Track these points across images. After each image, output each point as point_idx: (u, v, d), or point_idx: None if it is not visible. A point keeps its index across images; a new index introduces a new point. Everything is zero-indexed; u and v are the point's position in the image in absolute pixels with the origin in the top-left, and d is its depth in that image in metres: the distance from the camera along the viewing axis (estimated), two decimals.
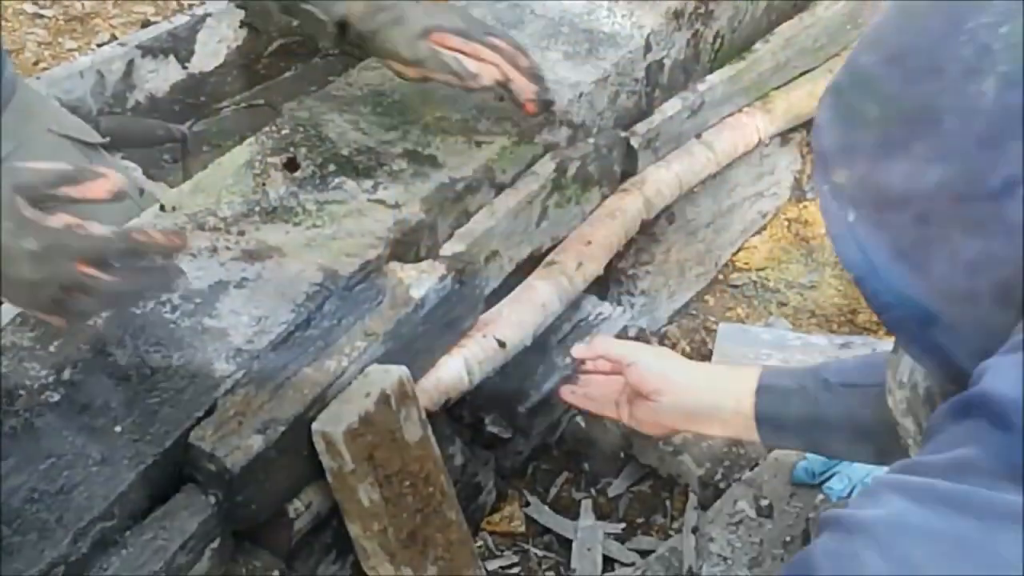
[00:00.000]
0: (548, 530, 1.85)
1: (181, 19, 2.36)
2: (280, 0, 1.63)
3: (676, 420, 1.54)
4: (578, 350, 1.62)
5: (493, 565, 1.78)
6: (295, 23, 1.70)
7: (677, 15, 1.97)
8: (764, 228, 2.41)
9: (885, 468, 1.65)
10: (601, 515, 1.87)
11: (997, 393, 0.73)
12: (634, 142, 1.89)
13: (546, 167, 1.72)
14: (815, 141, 0.89)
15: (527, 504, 1.88)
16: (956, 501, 0.71)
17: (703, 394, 1.51)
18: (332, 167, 1.60)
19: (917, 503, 0.72)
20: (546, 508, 1.87)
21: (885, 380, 1.38)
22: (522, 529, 1.84)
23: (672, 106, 1.97)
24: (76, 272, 1.16)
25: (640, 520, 1.87)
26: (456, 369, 1.54)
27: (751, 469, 1.82)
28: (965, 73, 0.76)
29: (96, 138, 1.78)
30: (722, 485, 1.81)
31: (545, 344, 1.79)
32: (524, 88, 1.59)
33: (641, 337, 2.10)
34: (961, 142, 0.77)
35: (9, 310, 1.36)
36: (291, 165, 1.60)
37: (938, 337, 0.84)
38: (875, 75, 0.82)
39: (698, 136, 2.04)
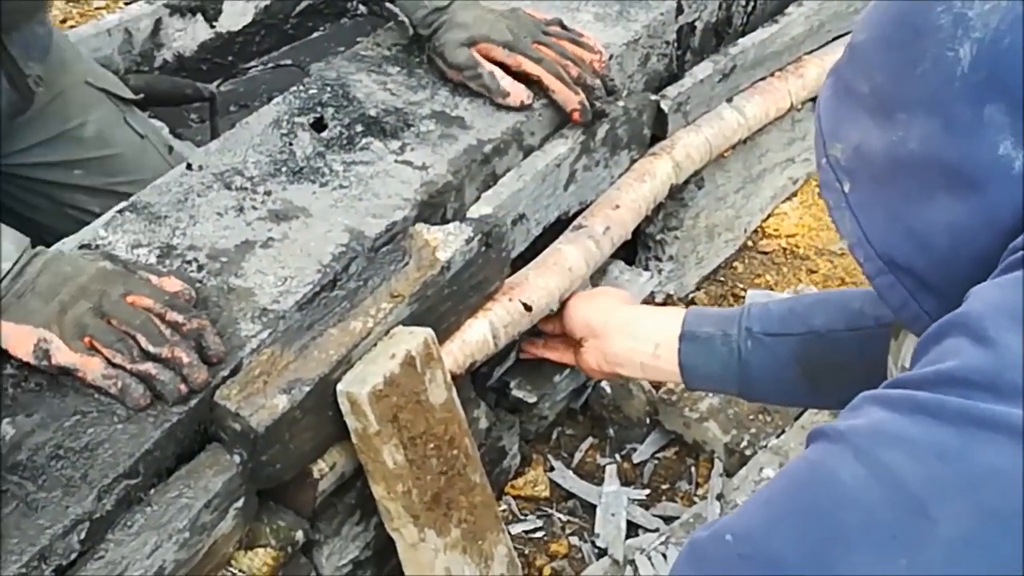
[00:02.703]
0: (572, 495, 1.84)
1: None
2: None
3: (601, 364, 1.60)
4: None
5: (517, 529, 1.78)
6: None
7: None
8: (795, 194, 2.38)
9: None
10: (626, 481, 1.86)
11: (975, 311, 0.75)
12: (664, 105, 1.87)
13: (575, 130, 1.70)
14: (816, 121, 0.93)
15: (551, 469, 1.88)
16: (934, 409, 0.72)
17: (620, 341, 1.57)
18: (359, 128, 1.59)
19: (896, 412, 0.74)
20: (570, 473, 1.87)
21: (811, 328, 1.41)
22: (546, 494, 1.84)
23: (703, 69, 1.95)
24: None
25: (665, 486, 1.87)
26: (481, 332, 1.53)
27: (777, 436, 1.81)
28: (943, 41, 0.79)
29: (129, 94, 1.78)
30: (748, 452, 1.80)
31: None
32: (566, 100, 1.64)
33: (668, 303, 2.10)
34: (941, 108, 0.80)
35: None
36: (318, 125, 1.59)
37: (926, 305, 0.86)
38: (865, 51, 0.87)
39: (729, 100, 2.01)
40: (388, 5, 1.64)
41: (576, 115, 1.65)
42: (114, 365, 1.21)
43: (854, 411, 0.77)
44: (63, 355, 1.22)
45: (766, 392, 1.53)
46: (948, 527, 0.68)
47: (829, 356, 1.41)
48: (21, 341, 1.23)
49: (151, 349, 1.22)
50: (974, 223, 0.81)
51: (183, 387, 1.22)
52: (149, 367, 1.21)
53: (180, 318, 1.25)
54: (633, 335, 1.56)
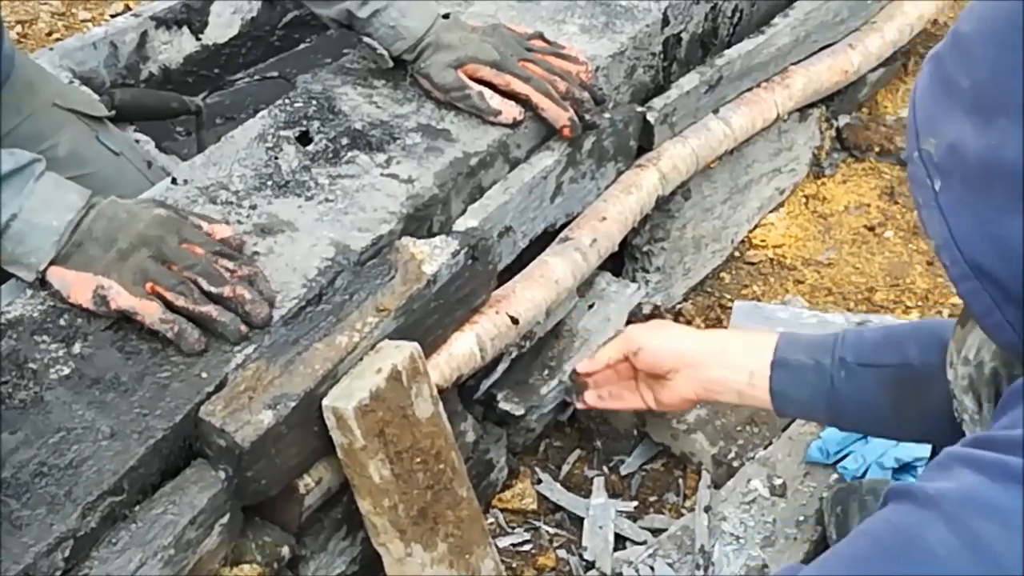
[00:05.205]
0: (560, 507, 1.84)
1: None
2: (342, 28, 1.67)
3: (698, 392, 1.55)
4: (583, 366, 1.65)
5: (504, 542, 1.78)
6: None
7: None
8: (781, 205, 2.39)
9: (903, 445, 1.62)
10: (613, 493, 1.86)
11: None
12: (650, 117, 1.87)
13: (561, 142, 1.70)
14: (910, 109, 0.88)
15: (539, 481, 1.87)
16: None
17: (716, 369, 1.52)
18: (345, 141, 1.59)
19: (988, 478, 0.72)
20: (558, 485, 1.87)
21: (905, 360, 1.37)
22: (533, 506, 1.84)
23: (689, 81, 1.95)
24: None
25: (652, 498, 1.87)
26: (468, 345, 1.53)
27: (765, 448, 1.81)
28: None
29: (102, 112, 1.78)
30: (735, 464, 1.80)
31: None
32: (556, 117, 1.65)
33: (656, 314, 2.09)
34: None
35: (14, 286, 1.36)
36: (304, 139, 1.59)
37: (1009, 315, 0.82)
38: (970, 43, 0.81)
39: (715, 111, 2.02)
40: (366, 40, 1.64)
41: (566, 131, 1.66)
42: (174, 310, 1.26)
43: (942, 471, 0.75)
44: (123, 299, 1.27)
45: (855, 421, 1.50)
46: None
47: (920, 389, 1.37)
48: (81, 288, 1.29)
49: (213, 290, 1.27)
50: None
51: (243, 327, 1.28)
52: (211, 309, 1.27)
53: (232, 265, 1.31)
54: (726, 364, 1.52)
